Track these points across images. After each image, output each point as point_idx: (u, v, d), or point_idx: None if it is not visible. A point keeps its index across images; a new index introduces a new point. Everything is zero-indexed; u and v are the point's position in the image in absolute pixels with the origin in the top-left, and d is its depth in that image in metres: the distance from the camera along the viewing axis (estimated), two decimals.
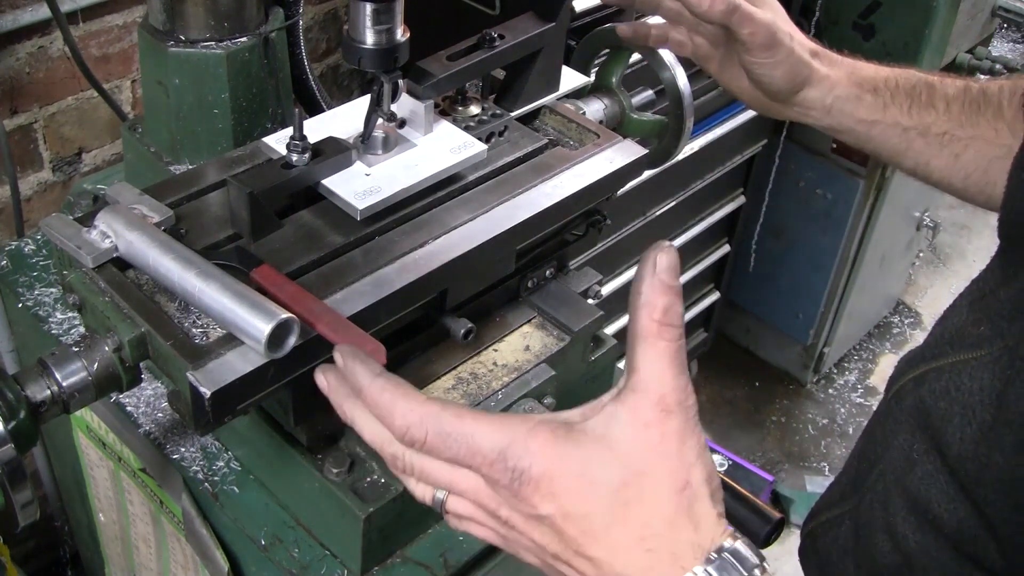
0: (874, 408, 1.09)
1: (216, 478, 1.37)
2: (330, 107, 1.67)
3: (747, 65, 1.21)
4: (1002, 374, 0.84)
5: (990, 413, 0.85)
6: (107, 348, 1.11)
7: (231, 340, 1.08)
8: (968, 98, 1.09)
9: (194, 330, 1.10)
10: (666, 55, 1.50)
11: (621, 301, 2.70)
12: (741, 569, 0.68)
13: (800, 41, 1.17)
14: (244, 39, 1.49)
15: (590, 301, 1.46)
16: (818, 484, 3.00)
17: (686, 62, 1.45)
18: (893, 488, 0.96)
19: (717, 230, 2.87)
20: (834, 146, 2.86)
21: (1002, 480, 0.84)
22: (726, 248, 2.96)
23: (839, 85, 1.15)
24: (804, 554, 1.13)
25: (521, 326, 1.40)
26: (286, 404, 1.21)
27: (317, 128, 1.33)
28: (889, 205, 2.95)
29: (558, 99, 1.51)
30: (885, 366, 3.45)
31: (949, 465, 0.89)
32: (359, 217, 1.25)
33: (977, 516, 0.87)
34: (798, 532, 1.17)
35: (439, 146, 1.35)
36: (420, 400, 0.80)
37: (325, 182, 1.27)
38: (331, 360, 1.14)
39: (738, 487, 1.10)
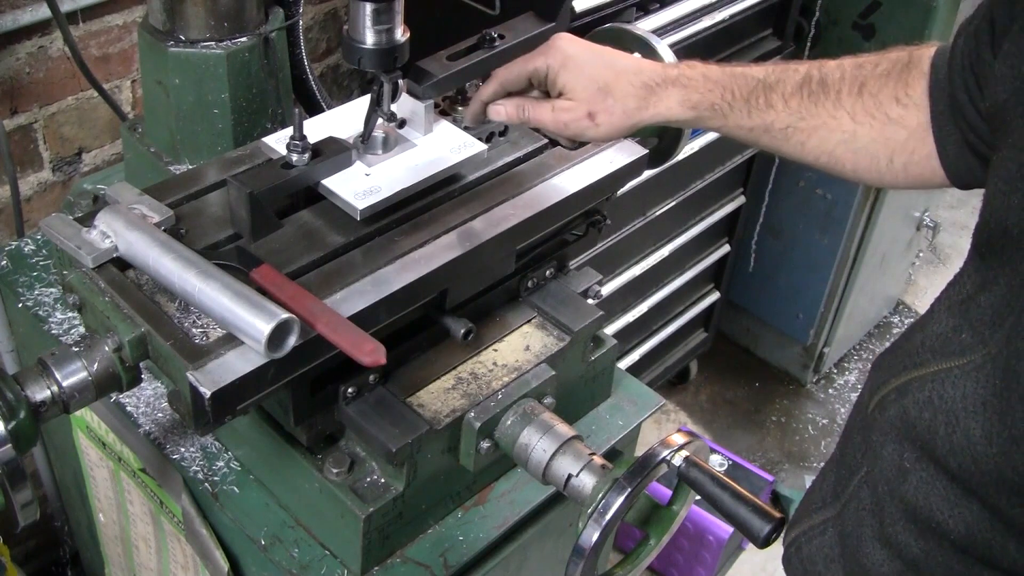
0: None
1: (216, 478, 1.37)
2: (330, 107, 1.67)
3: None
4: (986, 382, 0.84)
5: (976, 421, 0.84)
6: (107, 348, 1.11)
7: (231, 340, 1.08)
8: (807, 91, 1.14)
9: (194, 330, 1.10)
10: (666, 55, 1.50)
11: (621, 301, 2.69)
12: None
13: (624, 92, 1.19)
14: (244, 39, 1.49)
15: (590, 301, 1.46)
16: None
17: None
18: (887, 499, 0.95)
19: (717, 230, 2.86)
20: None
21: None
22: (726, 248, 2.95)
23: (672, 115, 1.20)
24: (788, 562, 1.13)
25: (521, 326, 1.40)
26: (286, 404, 1.21)
27: (317, 128, 1.33)
28: (889, 205, 2.94)
29: None
30: None
31: (949, 472, 0.88)
32: (359, 217, 1.25)
33: (989, 519, 0.87)
34: None
35: (439, 146, 1.35)
36: None
37: (325, 182, 1.27)
38: (331, 359, 1.15)
39: (738, 487, 1.10)
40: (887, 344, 1.18)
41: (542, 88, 1.25)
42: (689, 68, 1.20)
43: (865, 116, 1.11)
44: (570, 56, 1.21)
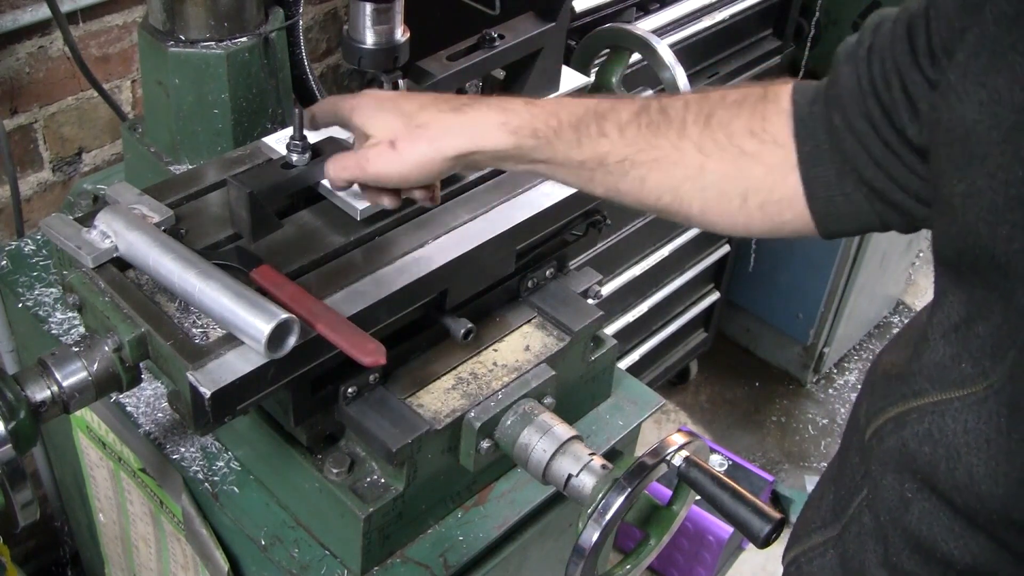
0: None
1: (216, 478, 1.37)
2: None
3: None
4: (989, 418, 0.81)
5: (978, 458, 0.82)
6: (107, 348, 1.11)
7: (231, 340, 1.08)
8: (645, 120, 1.01)
9: (194, 330, 1.10)
10: (666, 55, 1.50)
11: (621, 301, 2.69)
12: None
13: (430, 117, 1.06)
14: (244, 39, 1.49)
15: (590, 301, 1.46)
16: None
17: (687, 61, 1.45)
18: (890, 527, 0.93)
19: None
20: None
21: None
22: (726, 248, 2.95)
23: (489, 141, 1.05)
24: None
25: (521, 326, 1.40)
26: (286, 404, 1.21)
27: None
28: None
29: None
30: None
31: (953, 505, 0.86)
32: (359, 217, 1.25)
33: (996, 551, 0.84)
34: None
35: None
36: None
37: (325, 182, 1.27)
38: (331, 359, 1.15)
39: (738, 487, 1.10)
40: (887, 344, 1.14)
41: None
42: (508, 98, 1.08)
43: (714, 147, 0.99)
44: (372, 98, 1.12)
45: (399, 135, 1.06)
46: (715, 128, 1.00)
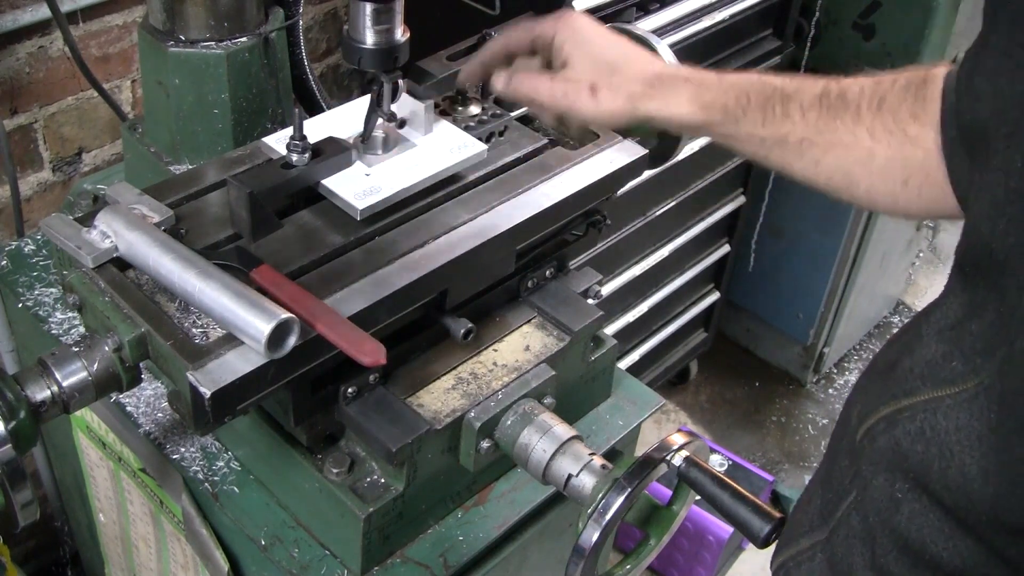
0: None
1: (216, 478, 1.37)
2: (330, 107, 1.67)
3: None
4: (980, 415, 0.81)
5: (971, 457, 0.82)
6: (107, 348, 1.11)
7: (231, 340, 1.08)
8: (826, 104, 1.06)
9: (194, 330, 1.10)
10: (666, 55, 1.50)
11: (621, 301, 2.68)
12: None
13: (632, 74, 1.12)
14: (244, 39, 1.49)
15: (590, 301, 1.46)
16: None
17: (687, 61, 1.45)
18: (878, 528, 0.93)
19: (717, 230, 2.86)
20: None
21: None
22: (726, 248, 2.95)
23: (680, 112, 1.11)
24: None
25: (521, 326, 1.40)
26: (286, 404, 1.21)
27: (317, 128, 1.33)
28: None
29: None
30: None
31: (943, 505, 0.86)
32: (359, 217, 1.25)
33: (986, 555, 0.84)
34: None
35: (439, 146, 1.35)
36: None
37: (325, 182, 1.27)
38: (331, 359, 1.15)
39: (738, 487, 1.10)
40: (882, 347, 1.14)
41: (545, 55, 1.19)
42: (701, 71, 1.13)
43: (884, 133, 1.05)
44: (580, 28, 1.16)
45: (603, 82, 1.12)
46: (885, 113, 1.04)
